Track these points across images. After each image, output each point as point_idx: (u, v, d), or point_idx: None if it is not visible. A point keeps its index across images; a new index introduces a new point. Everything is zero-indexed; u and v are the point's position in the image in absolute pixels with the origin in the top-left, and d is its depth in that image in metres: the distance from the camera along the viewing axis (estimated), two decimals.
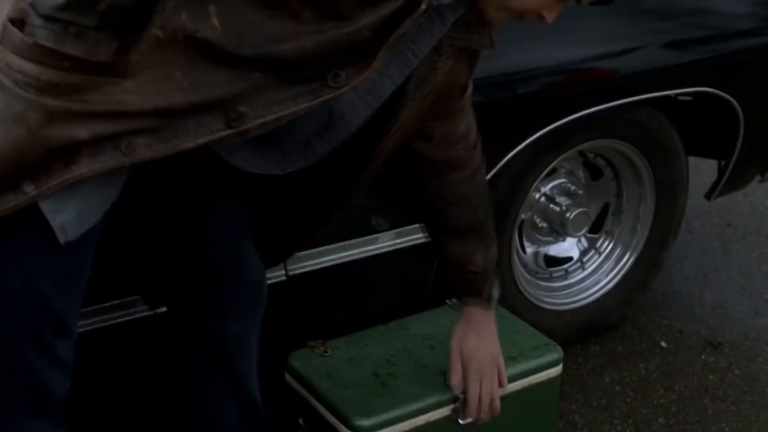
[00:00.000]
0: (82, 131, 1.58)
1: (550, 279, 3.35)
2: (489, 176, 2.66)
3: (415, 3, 1.67)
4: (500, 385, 2.32)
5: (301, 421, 2.46)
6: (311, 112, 1.69)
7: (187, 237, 2.06)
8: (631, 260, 3.41)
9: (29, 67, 1.60)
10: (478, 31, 1.93)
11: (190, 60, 1.58)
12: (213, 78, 1.59)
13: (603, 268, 3.41)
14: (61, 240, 1.68)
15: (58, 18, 1.59)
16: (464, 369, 2.31)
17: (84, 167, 1.59)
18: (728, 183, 3.42)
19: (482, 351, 2.31)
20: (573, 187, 3.23)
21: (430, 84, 1.92)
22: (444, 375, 2.35)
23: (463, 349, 2.30)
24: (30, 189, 1.60)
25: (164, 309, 2.25)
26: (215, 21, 1.57)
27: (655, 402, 3.20)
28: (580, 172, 3.27)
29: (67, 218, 1.67)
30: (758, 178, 3.57)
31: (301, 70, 1.63)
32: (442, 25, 1.86)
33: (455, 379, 2.30)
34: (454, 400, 2.33)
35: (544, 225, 3.24)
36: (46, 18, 1.60)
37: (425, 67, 1.89)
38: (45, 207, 1.64)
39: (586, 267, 3.40)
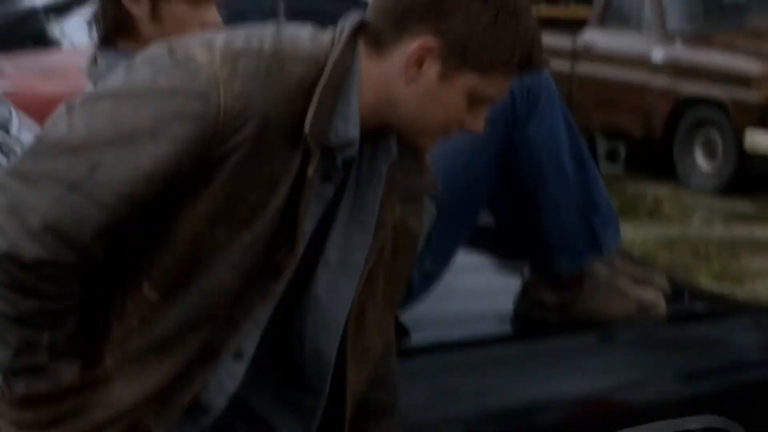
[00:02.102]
0: None
1: None
2: None
3: (302, 175, 1.79)
4: None
5: None
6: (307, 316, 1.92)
7: None
8: None
9: (19, 416, 1.81)
10: (418, 177, 2.01)
11: (156, 342, 1.81)
12: (183, 342, 1.81)
13: None
14: None
15: (16, 369, 1.78)
16: None
17: None
18: None
19: None
20: None
21: (379, 241, 1.96)
22: None
23: None
24: None
25: None
26: (152, 294, 1.80)
27: None
28: None
29: None
30: None
31: (248, 293, 1.83)
32: (380, 177, 1.93)
33: None
34: None
35: None
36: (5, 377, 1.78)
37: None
38: None
39: None
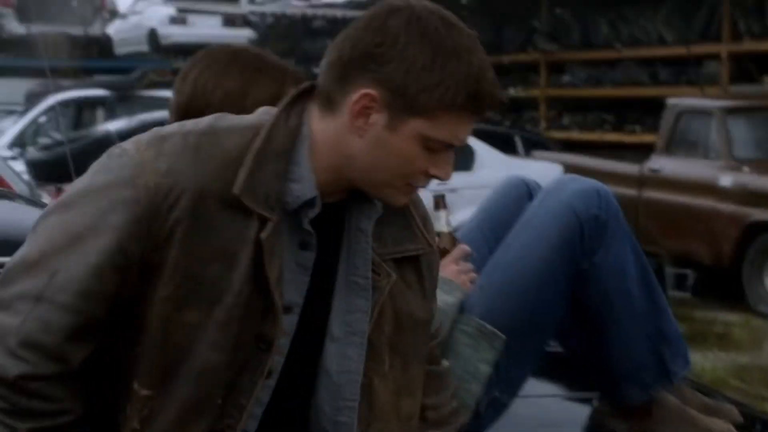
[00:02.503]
0: None
1: None
2: None
3: (259, 233, 1.80)
4: None
5: None
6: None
7: None
8: None
9: None
10: (408, 237, 1.99)
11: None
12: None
13: None
14: None
15: None
16: None
17: None
18: None
19: None
20: None
21: (377, 305, 1.93)
22: None
23: None
24: None
25: None
26: (143, 391, 1.80)
27: None
28: None
29: None
30: None
31: (240, 369, 1.82)
32: (367, 237, 1.93)
33: None
34: None
35: None
36: None
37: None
38: None
39: None
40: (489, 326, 2.59)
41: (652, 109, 12.82)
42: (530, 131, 15.21)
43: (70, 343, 1.77)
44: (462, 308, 2.63)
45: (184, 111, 2.36)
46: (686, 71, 13.98)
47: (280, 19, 16.76)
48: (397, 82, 1.80)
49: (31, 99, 15.38)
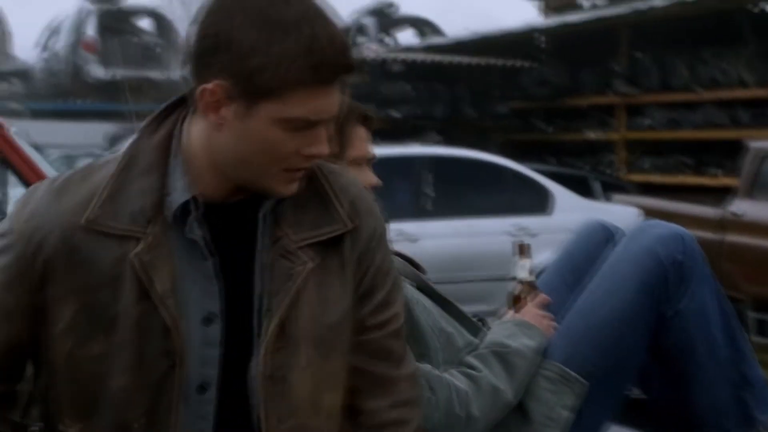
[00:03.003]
0: None
1: None
2: None
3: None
4: None
5: None
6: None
7: None
8: None
9: None
10: (327, 220, 1.90)
11: None
12: None
13: None
14: None
15: None
16: None
17: None
18: None
19: None
20: None
21: (288, 296, 1.86)
22: None
23: None
24: None
25: None
26: (72, 427, 1.85)
27: None
28: None
29: None
30: None
31: (155, 387, 1.82)
32: (263, 228, 1.87)
33: None
34: None
35: None
36: None
37: (279, 277, 1.86)
38: None
39: None
40: (571, 372, 2.59)
41: (732, 151, 12.70)
42: (608, 174, 15.12)
43: None
44: (543, 353, 2.63)
45: None
46: (767, 113, 13.83)
47: (358, 63, 16.87)
48: (234, 69, 1.76)
49: (112, 141, 15.64)
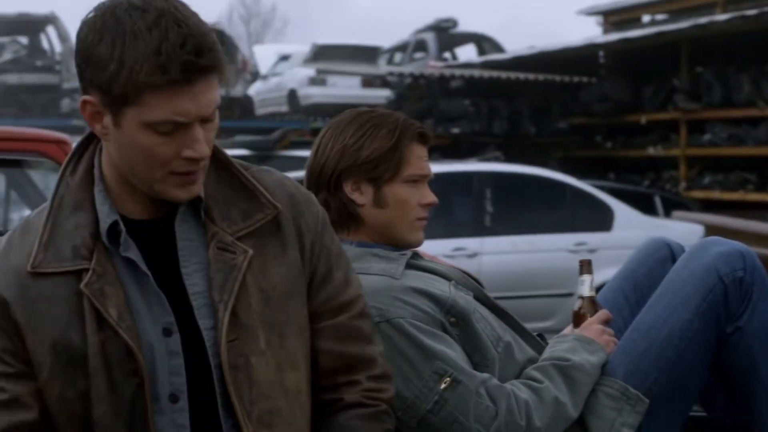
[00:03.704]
0: None
1: None
2: None
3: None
4: None
5: None
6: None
7: None
8: None
9: None
10: (256, 208, 1.99)
11: None
12: None
13: None
14: None
15: None
16: None
17: None
18: None
19: None
20: None
21: (236, 284, 1.93)
22: None
23: None
24: None
25: None
26: None
27: None
28: None
29: None
30: None
31: (119, 413, 1.89)
32: (198, 221, 1.96)
33: None
34: None
35: None
36: None
37: (222, 270, 1.94)
38: None
39: None
40: (632, 389, 2.57)
41: None
42: (670, 191, 15.02)
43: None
44: (604, 370, 2.62)
45: (309, 170, 2.58)
46: None
47: (417, 79, 16.89)
48: (96, 81, 1.84)
49: None
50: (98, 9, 1.87)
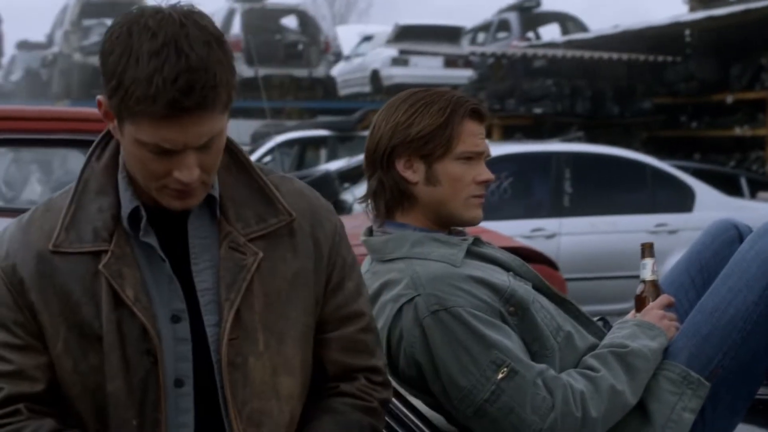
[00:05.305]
0: None
1: None
2: None
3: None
4: None
5: None
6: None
7: None
8: None
9: None
10: (271, 213, 2.03)
11: None
12: None
13: None
14: None
15: None
16: None
17: None
18: None
19: None
20: None
21: (243, 284, 1.98)
22: None
23: None
24: None
25: None
26: None
27: None
28: None
29: None
30: None
31: (132, 390, 1.94)
32: (203, 225, 2.00)
33: None
34: None
35: None
36: None
37: (232, 269, 1.99)
38: None
39: None
40: (694, 373, 2.53)
41: None
42: (756, 172, 14.78)
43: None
44: (666, 354, 2.59)
45: (366, 149, 2.60)
46: None
47: (500, 59, 16.78)
48: (105, 87, 1.89)
49: (257, 139, 15.88)
50: (125, 17, 1.90)
